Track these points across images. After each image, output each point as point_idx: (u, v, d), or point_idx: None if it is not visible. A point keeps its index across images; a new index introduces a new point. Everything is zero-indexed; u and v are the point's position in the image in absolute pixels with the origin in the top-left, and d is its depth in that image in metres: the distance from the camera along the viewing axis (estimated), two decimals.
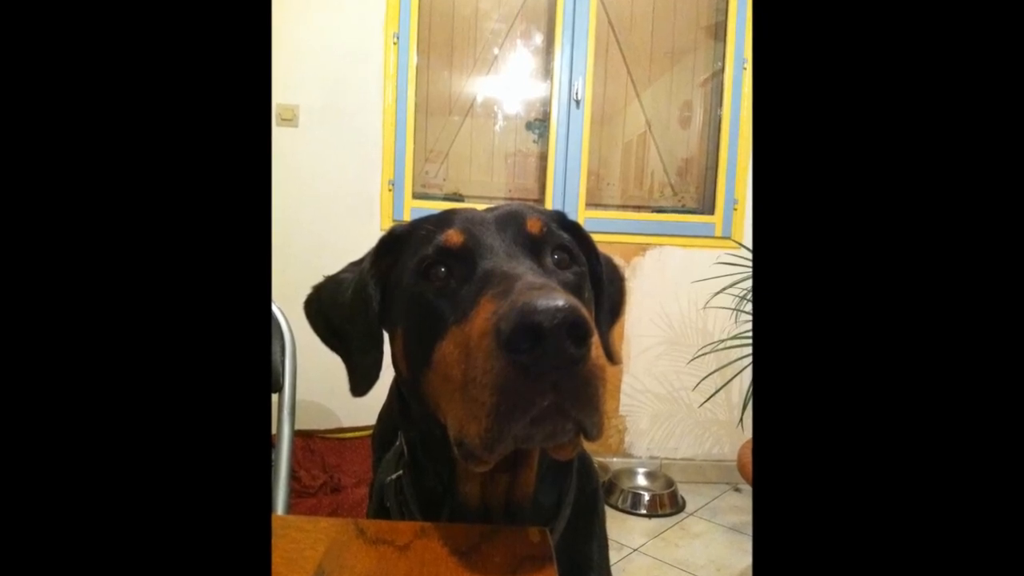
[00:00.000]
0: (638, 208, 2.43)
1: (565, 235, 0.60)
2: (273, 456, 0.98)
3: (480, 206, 0.63)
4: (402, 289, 0.57)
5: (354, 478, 1.94)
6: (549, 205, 2.28)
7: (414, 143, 2.25)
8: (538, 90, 2.35)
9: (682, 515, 2.14)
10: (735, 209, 2.33)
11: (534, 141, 2.38)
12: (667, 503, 2.15)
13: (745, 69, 2.28)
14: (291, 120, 2.16)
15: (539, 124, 2.36)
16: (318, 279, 0.68)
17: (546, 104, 2.31)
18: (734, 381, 2.16)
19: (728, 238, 2.31)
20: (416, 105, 2.23)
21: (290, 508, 0.99)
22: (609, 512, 2.04)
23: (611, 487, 2.18)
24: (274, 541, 0.46)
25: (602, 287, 0.66)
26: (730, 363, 2.08)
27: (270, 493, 0.95)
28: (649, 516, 2.11)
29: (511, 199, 2.39)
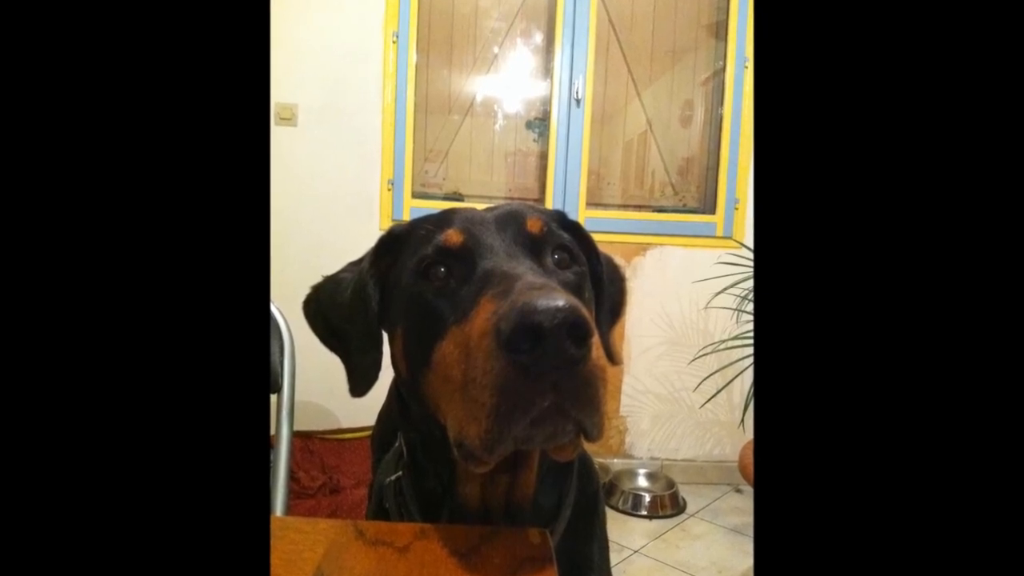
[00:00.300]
0: (639, 208, 2.43)
1: (565, 235, 0.59)
2: (272, 457, 0.98)
3: (480, 206, 0.63)
4: (401, 289, 0.57)
5: (353, 479, 1.94)
6: (549, 204, 2.27)
7: (413, 142, 2.24)
8: (538, 89, 2.35)
9: (683, 516, 2.13)
10: (736, 209, 2.32)
11: (534, 140, 2.38)
12: (668, 504, 2.15)
13: (746, 68, 2.28)
14: (290, 119, 2.16)
15: (539, 123, 2.36)
16: (317, 279, 0.68)
17: (546, 103, 2.30)
18: (735, 382, 2.15)
19: (729, 238, 2.30)
20: (415, 104, 2.23)
21: (289, 509, 0.99)
22: (610, 513, 2.04)
23: (612, 488, 2.18)
24: (273, 543, 0.46)
25: (602, 287, 0.66)
26: (731, 363, 2.08)
27: (268, 494, 0.95)
28: (650, 517, 2.11)
29: (511, 199, 2.39)
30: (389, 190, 2.23)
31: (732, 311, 2.08)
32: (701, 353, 2.21)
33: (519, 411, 0.42)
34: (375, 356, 0.61)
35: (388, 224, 2.10)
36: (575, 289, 0.56)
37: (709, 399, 2.23)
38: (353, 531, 0.49)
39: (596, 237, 0.66)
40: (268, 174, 0.38)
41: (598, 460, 2.22)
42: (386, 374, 0.62)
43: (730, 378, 2.13)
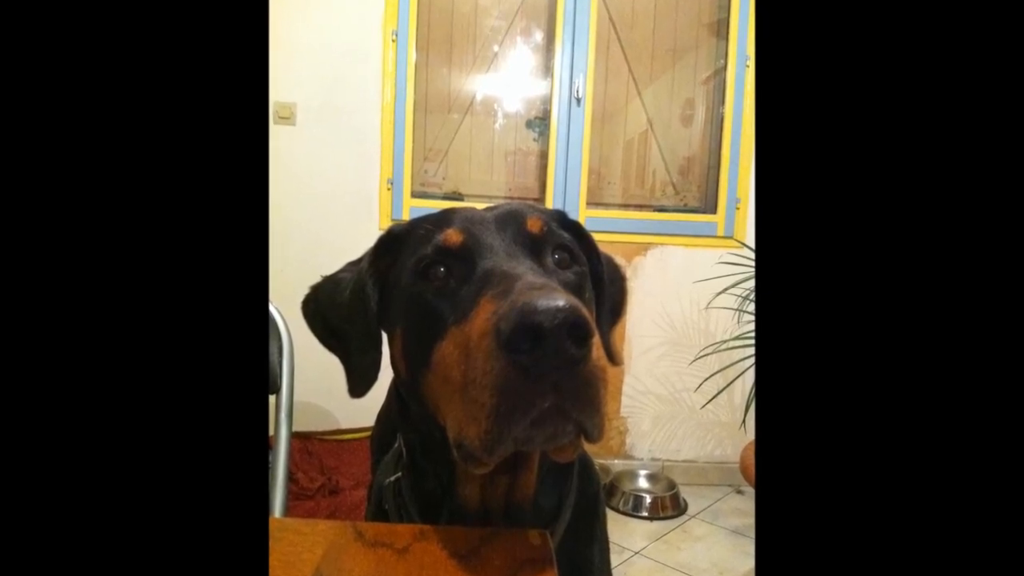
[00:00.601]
0: (639, 207, 2.43)
1: (566, 234, 0.59)
2: (270, 458, 0.97)
3: (480, 205, 0.63)
4: (401, 289, 0.57)
5: (352, 480, 1.94)
6: (549, 204, 2.27)
7: (413, 141, 2.24)
8: (538, 88, 2.34)
9: (684, 518, 2.13)
10: (738, 208, 2.32)
11: (534, 139, 2.37)
12: (669, 505, 2.14)
13: (748, 66, 2.28)
14: (289, 118, 2.16)
15: (539, 122, 2.36)
16: (316, 279, 0.67)
17: (546, 102, 2.30)
18: (736, 382, 2.15)
19: (730, 237, 2.30)
20: (415, 103, 2.23)
21: (287, 510, 0.99)
22: (610, 515, 2.04)
23: (612, 489, 2.18)
24: (271, 544, 0.46)
25: (603, 287, 0.66)
26: (732, 364, 2.08)
27: (267, 495, 0.95)
28: (651, 519, 2.10)
29: (511, 198, 2.39)
30: (388, 189, 2.23)
31: (733, 311, 2.08)
32: (702, 353, 2.21)
33: (519, 412, 0.42)
34: (374, 356, 0.60)
35: (387, 224, 2.10)
36: (575, 289, 0.55)
37: (710, 400, 2.22)
38: (352, 532, 0.48)
39: (596, 237, 0.66)
40: (266, 173, 0.38)
41: (599, 461, 2.22)
42: (385, 374, 0.62)
43: (731, 379, 2.12)
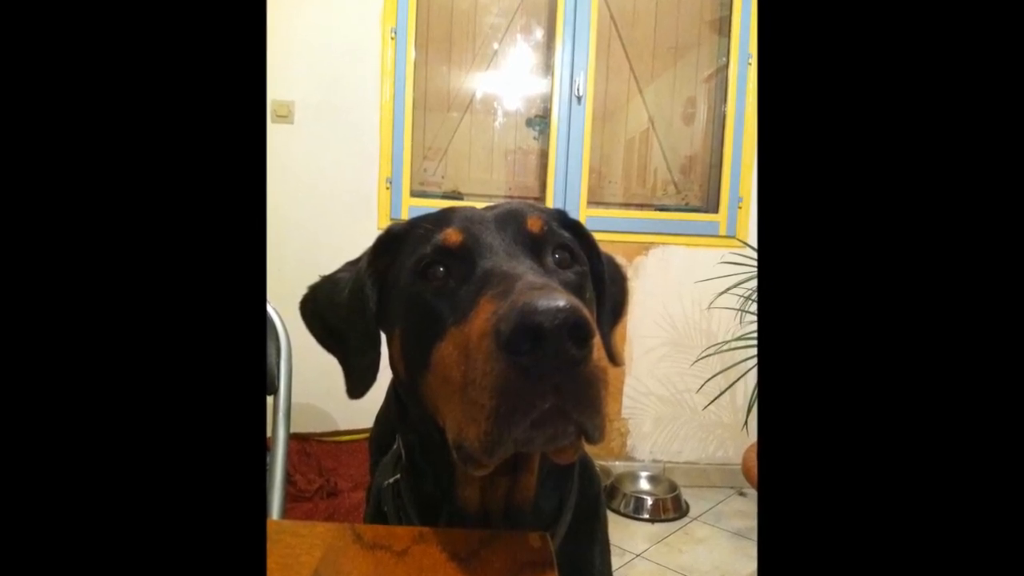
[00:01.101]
0: (641, 206, 2.42)
1: (566, 234, 0.59)
2: (268, 460, 0.97)
3: (479, 204, 0.63)
4: (400, 289, 0.57)
5: (351, 482, 1.94)
6: (550, 203, 2.27)
7: (412, 140, 2.24)
8: (539, 86, 2.34)
9: (686, 520, 2.13)
10: (740, 207, 2.32)
11: (534, 138, 2.37)
12: (670, 508, 2.14)
13: (750, 64, 2.27)
14: (287, 117, 2.16)
15: (540, 121, 2.35)
16: (314, 279, 0.67)
17: (547, 100, 2.30)
18: (738, 383, 2.14)
19: (732, 237, 2.30)
20: (414, 101, 2.22)
21: (285, 512, 0.99)
22: (611, 517, 2.04)
23: (613, 491, 2.17)
24: (269, 546, 0.46)
25: (604, 287, 0.65)
26: (734, 364, 2.07)
27: (265, 497, 0.95)
28: (652, 521, 2.10)
29: (511, 197, 2.39)
30: (387, 188, 2.22)
31: (735, 311, 2.07)
32: (704, 354, 2.20)
33: (519, 413, 0.42)
34: (373, 357, 0.60)
35: (386, 223, 2.10)
36: (576, 289, 0.55)
37: (712, 401, 2.22)
38: (351, 535, 0.48)
39: (597, 236, 0.66)
40: (264, 172, 0.38)
41: (599, 463, 2.22)
42: (384, 375, 0.62)
43: (733, 379, 2.11)
